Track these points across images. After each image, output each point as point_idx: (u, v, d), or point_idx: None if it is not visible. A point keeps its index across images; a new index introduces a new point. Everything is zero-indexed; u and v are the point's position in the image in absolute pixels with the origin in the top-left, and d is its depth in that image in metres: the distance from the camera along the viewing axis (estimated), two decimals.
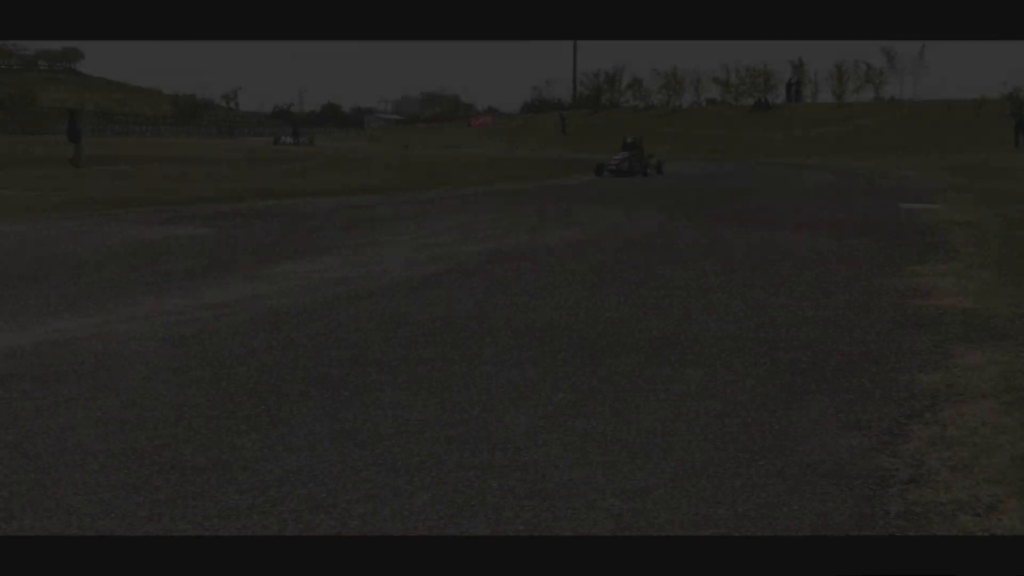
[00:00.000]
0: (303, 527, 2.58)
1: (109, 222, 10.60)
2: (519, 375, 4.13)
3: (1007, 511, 2.62)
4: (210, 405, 3.68)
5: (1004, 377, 4.00)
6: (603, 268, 7.24)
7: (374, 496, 2.79)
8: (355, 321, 5.20)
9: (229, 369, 4.19)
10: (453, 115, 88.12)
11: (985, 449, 3.13)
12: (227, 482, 2.91)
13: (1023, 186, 16.28)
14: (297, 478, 2.93)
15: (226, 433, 3.35)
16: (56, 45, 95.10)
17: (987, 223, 10.28)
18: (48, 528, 2.57)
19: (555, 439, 3.30)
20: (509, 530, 2.56)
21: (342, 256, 7.88)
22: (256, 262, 7.47)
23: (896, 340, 4.86)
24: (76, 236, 9.21)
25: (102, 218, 11.03)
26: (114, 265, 7.25)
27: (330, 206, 13.29)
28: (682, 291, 6.21)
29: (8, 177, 18.12)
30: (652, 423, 3.48)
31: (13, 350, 4.52)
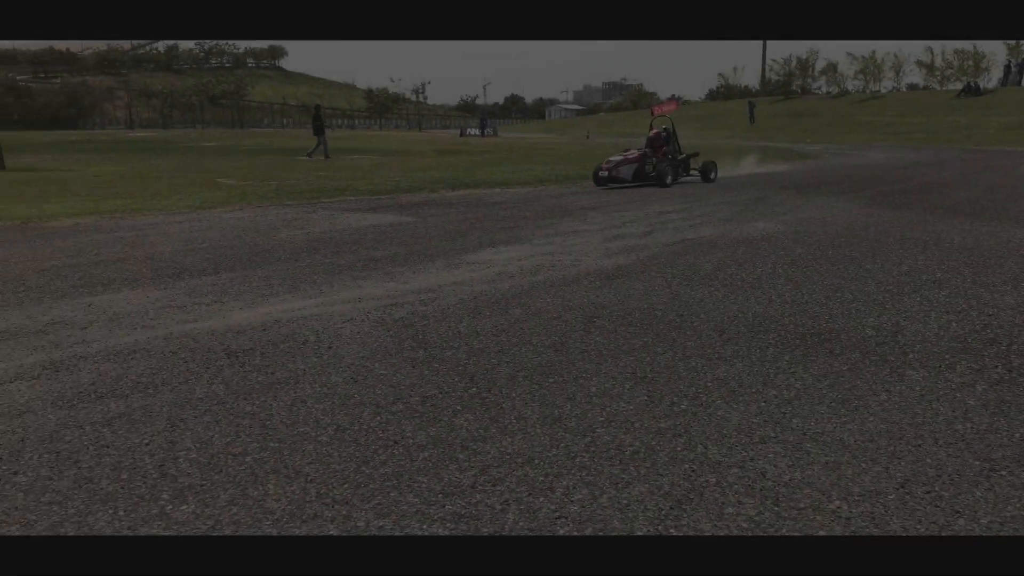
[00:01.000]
0: (523, 508, 2.64)
1: (317, 210, 11.27)
2: (726, 369, 4.04)
3: None
4: (425, 385, 3.83)
5: None
6: (806, 261, 6.94)
7: (591, 483, 2.81)
8: (555, 309, 5.25)
9: (439, 351, 4.35)
10: (635, 104, 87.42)
11: None
12: (448, 459, 3.02)
13: None
14: (514, 460, 3.00)
15: (442, 412, 3.48)
16: (263, 43, 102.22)
17: None
18: (291, 494, 2.77)
19: (771, 436, 3.20)
20: (732, 526, 2.52)
21: (535, 245, 7.98)
22: (454, 249, 7.71)
23: None
24: (289, 223, 9.85)
25: (311, 206, 11.75)
26: (326, 251, 7.69)
27: (517, 196, 13.51)
28: (895, 287, 5.86)
29: (225, 168, 19.67)
30: (875, 424, 3.31)
31: (243, 327, 4.89)
